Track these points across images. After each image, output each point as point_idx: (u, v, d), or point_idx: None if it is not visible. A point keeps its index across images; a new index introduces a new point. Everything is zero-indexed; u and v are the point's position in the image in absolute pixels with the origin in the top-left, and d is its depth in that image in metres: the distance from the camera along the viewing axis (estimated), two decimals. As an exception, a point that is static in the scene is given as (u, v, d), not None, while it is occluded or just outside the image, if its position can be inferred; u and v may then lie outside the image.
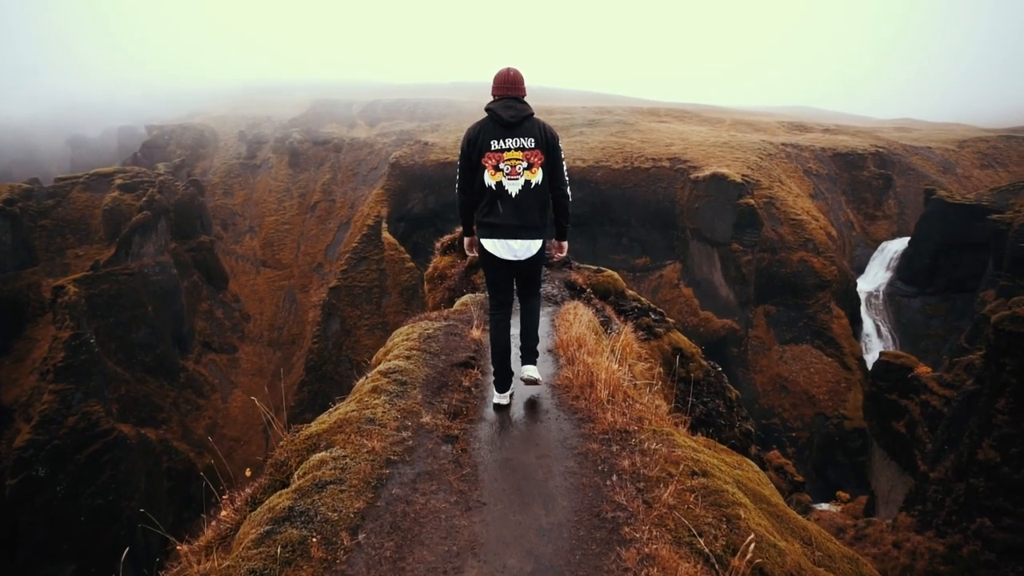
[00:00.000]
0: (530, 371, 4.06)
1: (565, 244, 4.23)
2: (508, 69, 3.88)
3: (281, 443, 3.14)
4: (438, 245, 9.06)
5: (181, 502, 42.05)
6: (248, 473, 3.17)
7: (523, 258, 3.85)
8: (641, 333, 6.68)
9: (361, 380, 3.97)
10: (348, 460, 2.82)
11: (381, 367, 4.01)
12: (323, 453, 2.89)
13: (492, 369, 4.04)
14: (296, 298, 58.56)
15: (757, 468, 3.57)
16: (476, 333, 5.20)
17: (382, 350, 4.64)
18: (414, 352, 4.36)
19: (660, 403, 4.28)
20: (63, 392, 35.87)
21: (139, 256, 46.91)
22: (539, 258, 3.97)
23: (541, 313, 4.92)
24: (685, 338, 7.74)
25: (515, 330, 4.27)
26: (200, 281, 54.54)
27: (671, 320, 7.91)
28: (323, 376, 49.54)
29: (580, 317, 5.49)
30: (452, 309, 5.84)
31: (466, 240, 4.28)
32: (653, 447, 3.16)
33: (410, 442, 3.19)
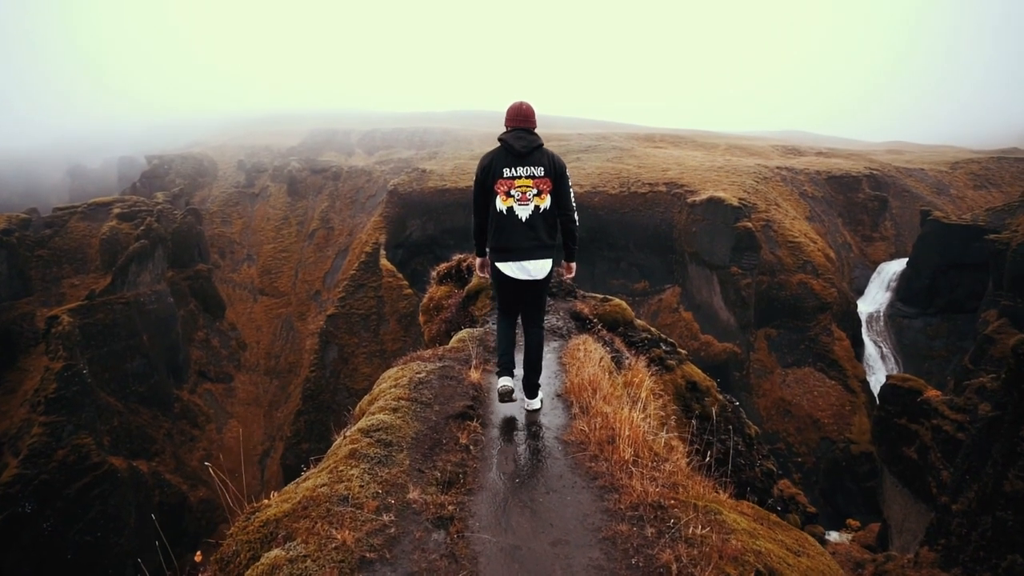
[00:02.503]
0: (533, 404, 4.29)
1: (574, 265, 4.55)
2: (521, 103, 4.17)
3: (231, 531, 2.59)
4: (434, 274, 8.57)
5: (173, 537, 40.82)
6: (198, 558, 2.68)
7: (537, 277, 4.09)
8: (654, 367, 6.28)
9: (338, 440, 3.33)
10: (309, 563, 2.21)
11: (362, 423, 3.42)
12: (278, 551, 2.28)
13: (497, 362, 4.33)
14: (294, 326, 58.09)
15: (820, 548, 3.05)
16: (475, 375, 4.55)
17: (367, 398, 4.05)
18: (402, 403, 3.75)
19: (677, 444, 3.86)
20: (53, 424, 35.10)
21: (135, 285, 46.60)
22: (548, 278, 4.22)
23: (547, 349, 4.98)
24: (699, 370, 7.29)
25: (516, 373, 4.29)
26: (197, 310, 54.13)
27: (683, 351, 7.49)
28: (320, 405, 48.76)
29: (591, 355, 4.95)
30: (448, 347, 5.31)
31: (478, 261, 4.51)
32: (700, 533, 2.56)
33: (392, 529, 2.55)
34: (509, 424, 4.03)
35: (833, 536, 27.69)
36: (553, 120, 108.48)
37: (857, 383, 40.93)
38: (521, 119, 4.10)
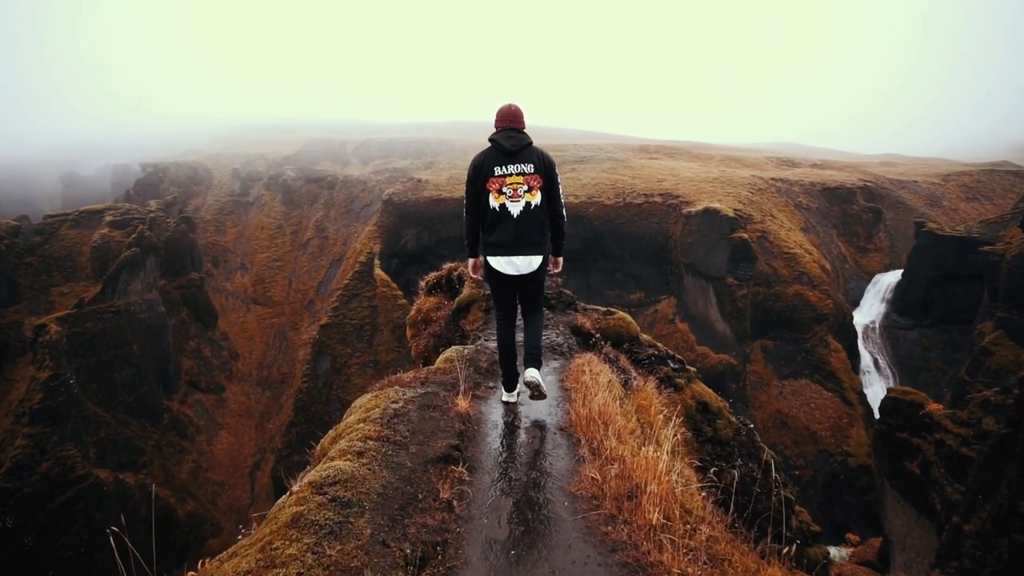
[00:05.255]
0: (531, 373, 4.17)
1: (560, 259, 4.60)
2: (509, 104, 4.31)
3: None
4: (423, 284, 8.03)
5: (160, 552, 39.87)
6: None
7: (525, 272, 4.19)
8: (663, 388, 5.82)
9: (283, 498, 2.61)
10: None
11: (315, 474, 2.68)
12: None
13: (501, 373, 4.39)
14: (287, 336, 57.48)
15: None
16: (463, 404, 3.93)
17: (331, 434, 3.37)
18: (370, 444, 3.03)
19: (691, 475, 3.31)
20: (38, 436, 34.32)
21: (126, 294, 45.98)
22: (541, 272, 4.30)
23: (547, 369, 4.85)
24: (710, 390, 6.82)
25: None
26: (188, 319, 53.46)
27: (692, 369, 7.04)
28: (312, 417, 48.09)
29: (598, 378, 4.38)
30: (433, 368, 4.69)
31: (471, 262, 4.57)
32: None
33: None
34: (503, 467, 3.43)
35: (832, 551, 27.29)
36: (549, 131, 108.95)
37: (854, 395, 40.71)
38: (510, 119, 4.22)
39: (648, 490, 2.72)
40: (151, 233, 49.64)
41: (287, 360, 55.89)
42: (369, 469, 2.79)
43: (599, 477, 3.01)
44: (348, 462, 2.79)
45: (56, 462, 34.09)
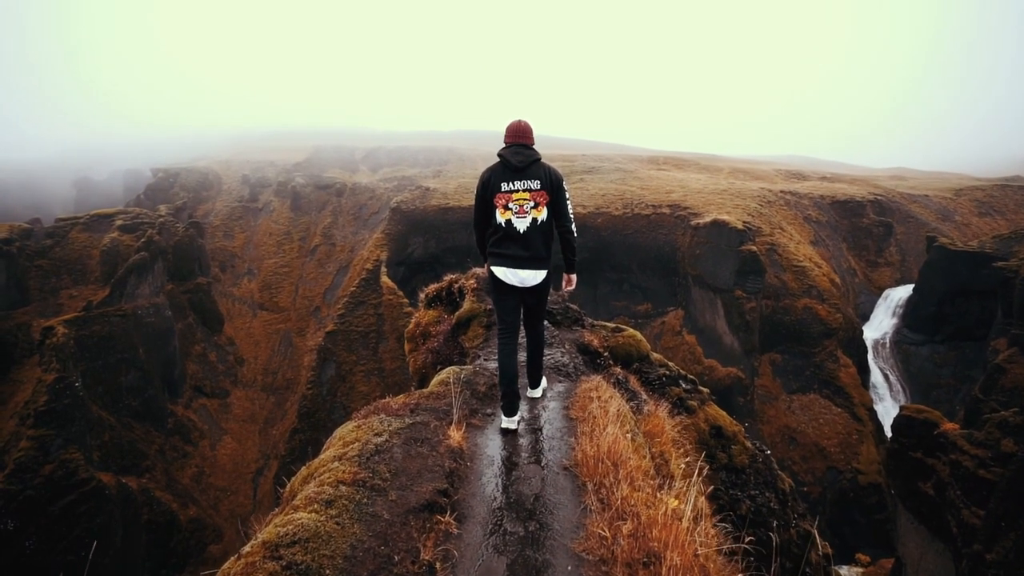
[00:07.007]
0: (534, 393, 4.58)
1: (574, 277, 4.60)
2: (519, 121, 4.35)
3: None
4: (422, 296, 7.68)
5: (160, 557, 39.71)
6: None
7: (530, 285, 4.22)
8: (676, 412, 5.46)
9: (230, 561, 2.16)
10: None
11: (272, 531, 2.25)
12: None
13: (500, 394, 4.20)
14: (292, 342, 57.52)
15: None
16: (456, 436, 3.52)
17: (304, 471, 2.92)
18: (343, 490, 2.57)
19: (714, 549, 2.66)
20: (42, 438, 34.33)
21: (133, 297, 46.22)
22: (545, 287, 4.35)
23: (552, 394, 4.85)
24: (724, 413, 6.48)
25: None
26: (195, 323, 53.64)
27: (704, 390, 6.76)
28: (316, 423, 47.93)
29: (606, 406, 3.95)
30: (426, 391, 4.28)
31: (486, 265, 4.60)
32: None
33: None
34: (498, 516, 2.98)
35: (844, 571, 26.69)
36: (557, 141, 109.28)
37: (864, 411, 40.05)
38: (519, 135, 4.24)
39: (668, 557, 2.29)
40: (160, 237, 49.99)
41: (292, 366, 55.86)
42: (337, 523, 2.35)
43: (608, 535, 2.59)
44: (313, 514, 2.36)
45: (59, 465, 34.06)
